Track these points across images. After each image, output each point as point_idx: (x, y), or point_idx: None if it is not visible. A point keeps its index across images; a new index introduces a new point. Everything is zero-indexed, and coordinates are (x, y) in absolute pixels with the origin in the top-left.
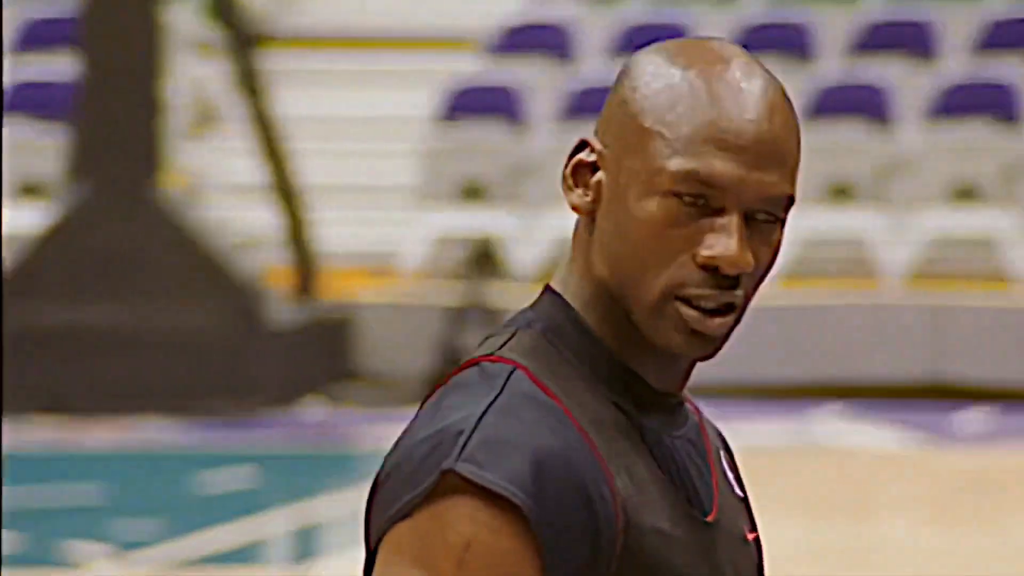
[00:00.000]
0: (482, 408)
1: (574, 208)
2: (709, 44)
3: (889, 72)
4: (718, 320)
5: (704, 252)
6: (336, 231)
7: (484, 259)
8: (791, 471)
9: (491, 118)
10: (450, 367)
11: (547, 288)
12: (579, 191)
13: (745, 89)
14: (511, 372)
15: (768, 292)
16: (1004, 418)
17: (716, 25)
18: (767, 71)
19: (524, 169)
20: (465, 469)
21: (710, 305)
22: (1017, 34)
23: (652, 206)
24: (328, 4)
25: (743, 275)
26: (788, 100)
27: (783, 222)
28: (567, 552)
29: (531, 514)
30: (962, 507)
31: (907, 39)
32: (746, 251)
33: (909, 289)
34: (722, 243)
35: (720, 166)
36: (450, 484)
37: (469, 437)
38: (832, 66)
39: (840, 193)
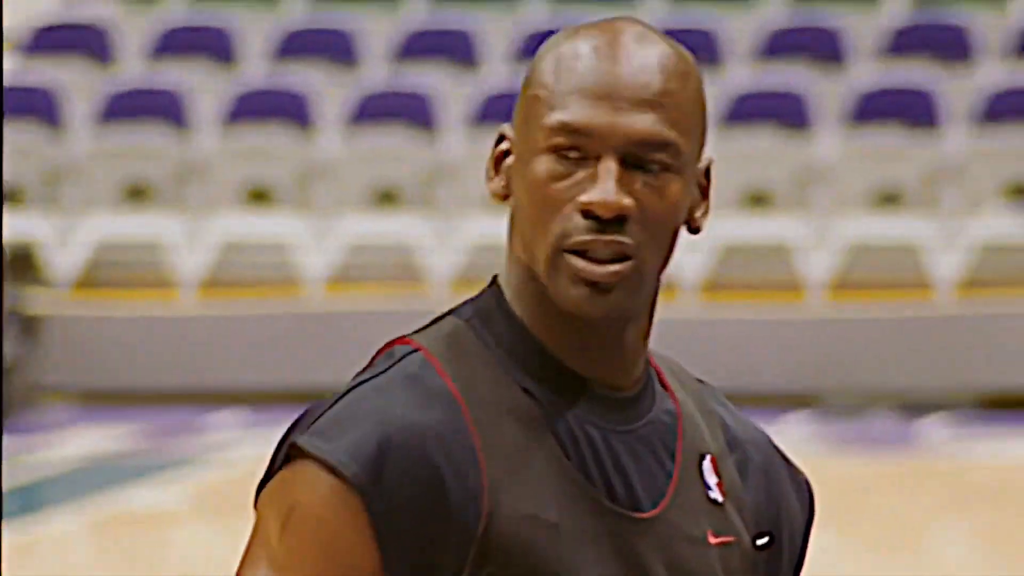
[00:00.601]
0: (355, 384)
1: (493, 196)
2: (613, 21)
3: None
4: (610, 268)
5: (582, 199)
6: None
7: (19, 265)
8: None
9: (26, 119)
10: None
11: (494, 277)
12: (496, 179)
13: (622, 45)
14: (407, 354)
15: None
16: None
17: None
18: (666, 41)
19: (62, 173)
20: (305, 441)
21: (598, 252)
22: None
23: (538, 166)
24: None
25: (632, 223)
26: (679, 59)
27: (679, 172)
28: (405, 528)
29: (363, 487)
30: None
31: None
32: (620, 194)
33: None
34: (597, 188)
35: (588, 113)
36: (297, 455)
37: (325, 411)
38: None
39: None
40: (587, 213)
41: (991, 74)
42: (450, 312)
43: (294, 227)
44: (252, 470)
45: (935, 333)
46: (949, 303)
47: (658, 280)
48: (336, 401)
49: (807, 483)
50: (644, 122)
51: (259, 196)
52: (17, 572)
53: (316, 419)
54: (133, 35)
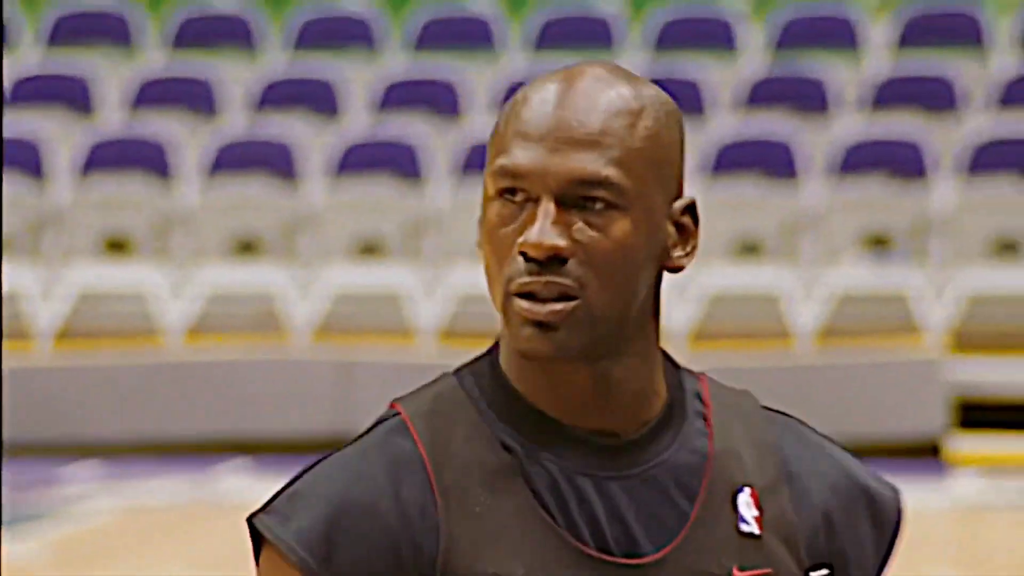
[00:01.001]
0: (330, 454)
1: (477, 247)
2: (581, 64)
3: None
4: (551, 307)
5: (519, 241)
6: None
7: None
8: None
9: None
10: None
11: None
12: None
13: (572, 88)
14: (388, 418)
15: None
16: None
17: (240, 80)
18: (630, 83)
19: None
20: (259, 522)
21: (540, 293)
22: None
23: (490, 211)
24: None
25: (574, 263)
26: (632, 99)
27: (625, 210)
28: None
29: (314, 569)
30: None
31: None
32: (549, 234)
33: (316, 344)
34: (532, 230)
35: (525, 155)
36: (257, 534)
37: (285, 488)
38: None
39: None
40: (525, 255)
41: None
42: (457, 368)
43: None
44: (108, 523)
45: (795, 383)
46: (810, 352)
47: (647, 319)
48: (305, 472)
49: (892, 521)
50: (579, 161)
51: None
52: None
53: (280, 492)
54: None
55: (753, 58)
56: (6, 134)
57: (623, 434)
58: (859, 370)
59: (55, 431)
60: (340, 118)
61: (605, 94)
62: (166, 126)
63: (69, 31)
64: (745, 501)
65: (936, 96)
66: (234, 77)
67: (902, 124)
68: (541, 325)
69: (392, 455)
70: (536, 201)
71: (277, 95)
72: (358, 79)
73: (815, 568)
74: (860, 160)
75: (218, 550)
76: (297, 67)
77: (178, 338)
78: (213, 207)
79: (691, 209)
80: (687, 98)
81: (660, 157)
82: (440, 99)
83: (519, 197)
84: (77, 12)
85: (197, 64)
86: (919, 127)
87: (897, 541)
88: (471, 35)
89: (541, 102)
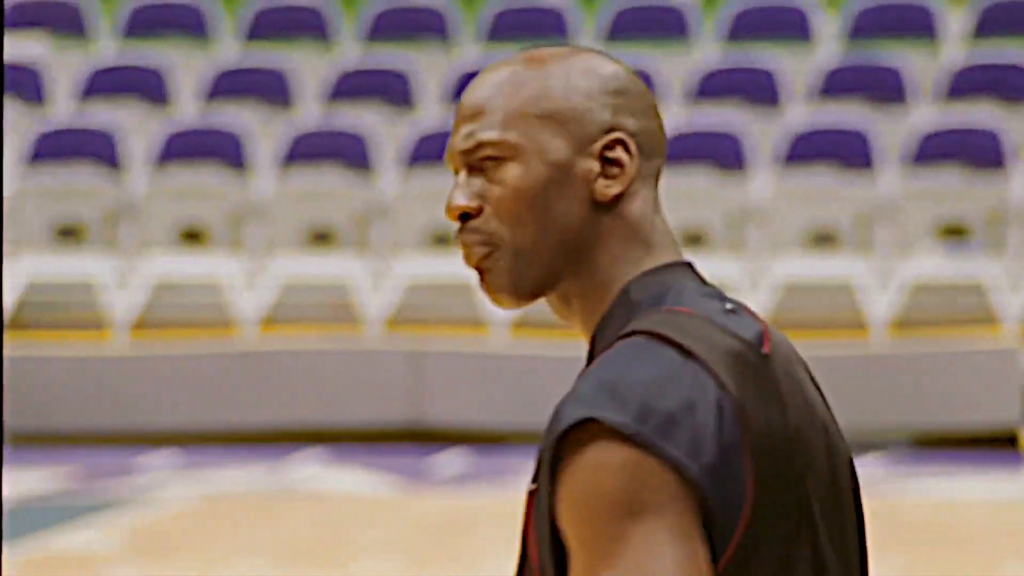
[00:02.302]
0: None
1: None
2: (530, 50)
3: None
4: (473, 256)
5: None
6: None
7: None
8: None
9: None
10: None
11: None
12: None
13: (481, 74)
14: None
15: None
16: (479, 460)
17: (192, 68)
18: (526, 61)
19: None
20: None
21: (467, 247)
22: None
23: None
24: None
25: (484, 217)
26: (518, 72)
27: (515, 159)
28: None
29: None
30: (435, 549)
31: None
32: (456, 198)
33: (389, 334)
34: (448, 198)
35: (449, 139)
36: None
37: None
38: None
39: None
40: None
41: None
42: None
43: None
44: (184, 511)
45: (870, 373)
46: (885, 343)
47: (591, 247)
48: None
49: (553, 436)
50: (466, 133)
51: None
52: None
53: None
54: (64, 76)
55: (828, 48)
56: (84, 126)
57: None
58: (935, 360)
59: (131, 420)
60: (412, 110)
61: (498, 73)
62: (240, 117)
63: (145, 23)
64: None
65: (1013, 85)
66: (308, 68)
67: (978, 113)
68: (479, 275)
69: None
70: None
71: (351, 86)
72: (431, 69)
73: (532, 483)
74: (936, 150)
75: (292, 537)
76: (372, 58)
77: (253, 328)
78: (287, 198)
79: (621, 143)
80: (761, 88)
81: (552, 108)
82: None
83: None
84: (153, 4)
85: (271, 55)
86: (995, 116)
87: (565, 453)
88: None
89: (461, 97)
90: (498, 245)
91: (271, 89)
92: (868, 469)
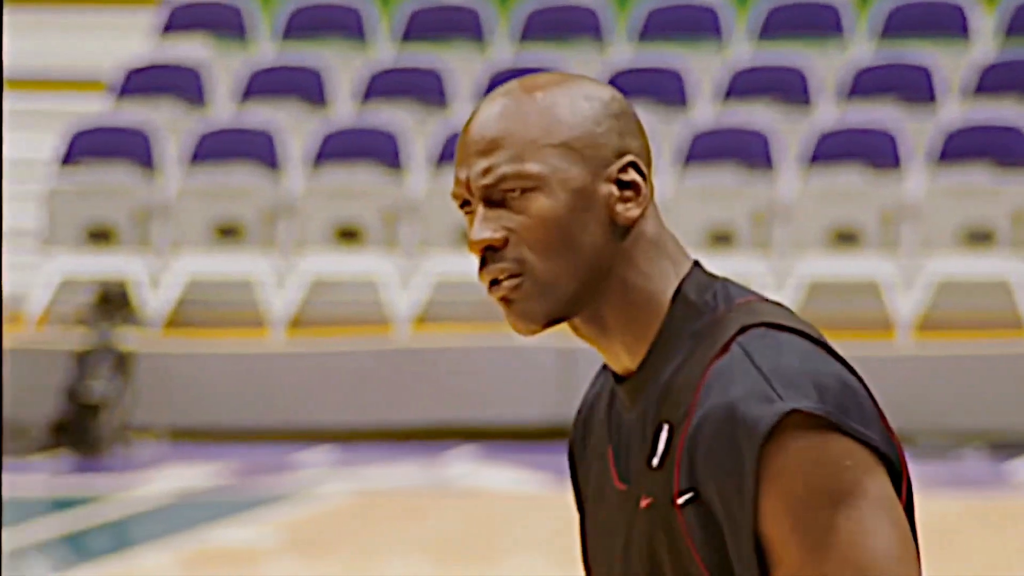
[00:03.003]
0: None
1: None
2: (510, 82)
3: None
4: (497, 289)
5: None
6: None
7: (112, 303)
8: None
9: (118, 160)
10: (76, 413)
11: None
12: None
13: (482, 106)
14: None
15: (407, 335)
16: None
17: (349, 69)
18: (526, 88)
19: (153, 212)
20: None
21: (487, 282)
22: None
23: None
24: None
25: (510, 247)
26: (523, 102)
27: (541, 189)
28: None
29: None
30: None
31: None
32: (480, 232)
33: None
34: (470, 232)
35: (456, 174)
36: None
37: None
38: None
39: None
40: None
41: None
42: None
43: (382, 265)
44: (340, 507)
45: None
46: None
47: (617, 269)
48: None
49: (755, 437)
50: (484, 167)
51: (348, 235)
52: None
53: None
54: (224, 77)
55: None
56: (243, 126)
57: (627, 373)
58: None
59: (289, 417)
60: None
61: (501, 106)
62: (396, 117)
63: (303, 25)
64: (663, 437)
65: None
66: (463, 68)
67: (1004, 112)
68: (506, 304)
69: None
70: (475, 210)
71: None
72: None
73: (683, 494)
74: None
75: (446, 533)
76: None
77: (406, 325)
78: (441, 196)
79: (633, 166)
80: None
81: (567, 137)
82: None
83: (467, 208)
84: (311, 5)
85: (426, 56)
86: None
87: (770, 451)
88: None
89: (463, 129)
90: (526, 274)
91: (426, 89)
92: None
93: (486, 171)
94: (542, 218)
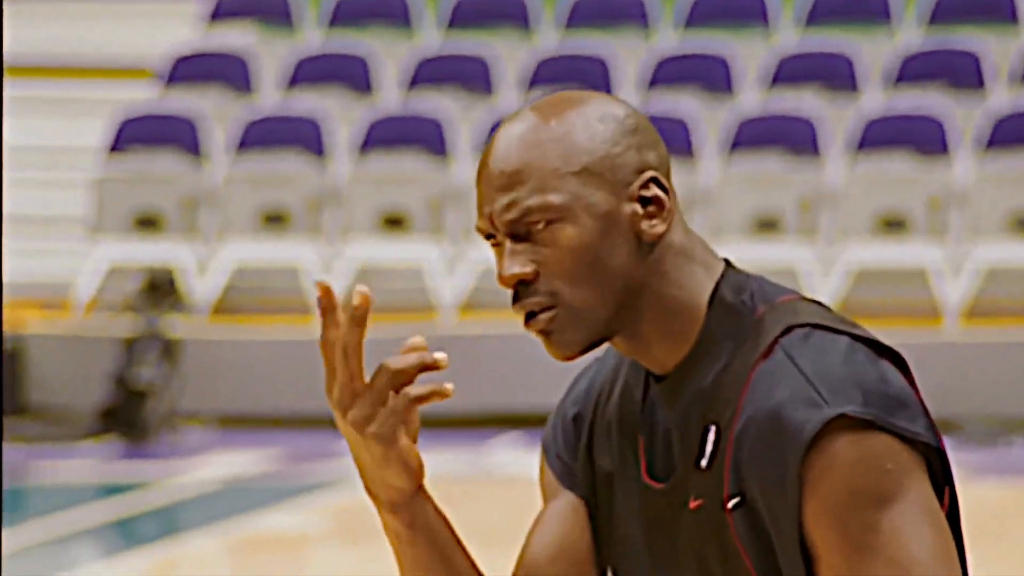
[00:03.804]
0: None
1: None
2: (523, 108)
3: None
4: (534, 323)
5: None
6: (6, 262)
7: (159, 290)
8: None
9: (166, 148)
10: (123, 400)
11: None
12: None
13: (497, 138)
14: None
15: (448, 323)
16: None
17: (395, 56)
18: (539, 112)
19: (200, 199)
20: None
21: (522, 315)
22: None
23: None
24: None
25: (541, 280)
26: (536, 130)
27: (566, 219)
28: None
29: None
30: None
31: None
32: (509, 268)
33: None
34: (500, 268)
35: (480, 210)
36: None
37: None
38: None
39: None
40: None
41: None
42: None
43: (428, 252)
44: None
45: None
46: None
47: (649, 285)
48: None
49: (799, 442)
50: (507, 202)
51: (394, 222)
52: None
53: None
54: (271, 64)
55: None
56: (290, 113)
57: (665, 372)
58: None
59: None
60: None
61: (517, 135)
62: (442, 104)
63: (349, 13)
64: (710, 438)
65: None
66: (509, 55)
67: None
68: (544, 336)
69: None
70: (502, 243)
71: (550, 72)
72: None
73: (732, 498)
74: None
75: (491, 520)
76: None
77: (451, 312)
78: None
79: (655, 181)
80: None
81: (586, 162)
82: (472, 75)
83: (494, 241)
84: None
85: (472, 44)
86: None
87: (813, 455)
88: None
89: (482, 163)
90: (560, 305)
91: (472, 76)
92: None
93: (509, 206)
94: (570, 248)
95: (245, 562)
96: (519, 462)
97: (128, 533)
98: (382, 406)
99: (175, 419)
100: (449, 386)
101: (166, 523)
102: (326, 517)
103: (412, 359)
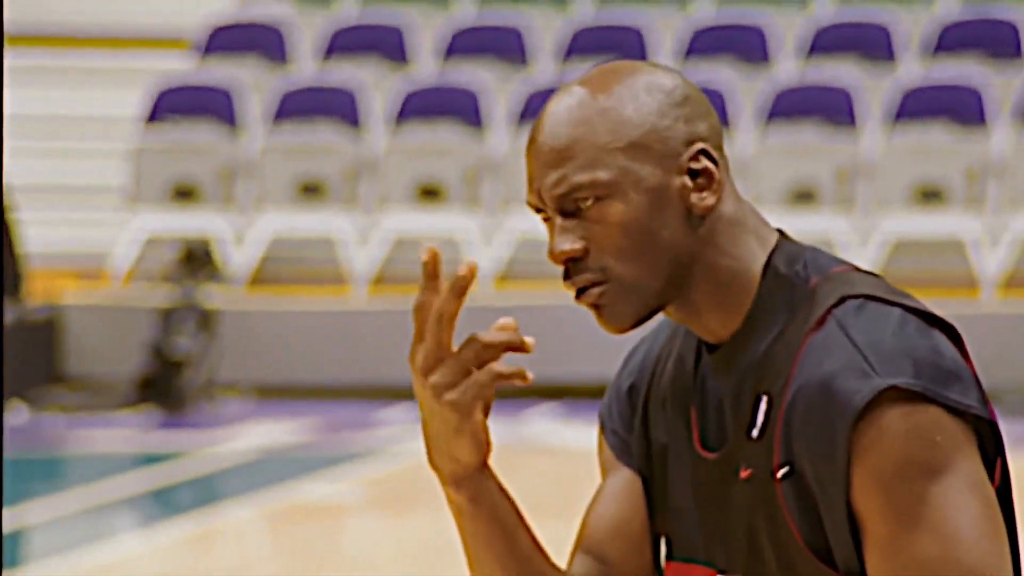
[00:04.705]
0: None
1: None
2: (565, 86)
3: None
4: (586, 296)
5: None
6: (43, 232)
7: (196, 260)
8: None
9: (202, 118)
10: (161, 369)
11: None
12: None
13: (544, 114)
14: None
15: (483, 293)
16: None
17: (431, 27)
18: (588, 87)
19: (237, 170)
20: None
21: (573, 290)
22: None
23: None
24: (30, 1)
25: (591, 256)
26: (584, 105)
27: (614, 195)
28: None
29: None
30: None
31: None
32: (560, 244)
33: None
34: (550, 245)
35: (529, 188)
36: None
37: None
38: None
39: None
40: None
41: None
42: None
43: (463, 222)
44: (423, 463)
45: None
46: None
47: (698, 256)
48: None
49: (848, 414)
50: (556, 179)
51: (430, 193)
52: (194, 562)
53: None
54: (307, 35)
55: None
56: (326, 84)
57: (719, 341)
58: None
59: (371, 374)
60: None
61: (566, 110)
62: (477, 75)
63: None
64: (762, 408)
65: None
66: (545, 26)
67: None
68: (596, 310)
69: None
70: (552, 219)
71: (585, 43)
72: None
73: (782, 467)
74: None
75: (528, 491)
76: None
77: (488, 283)
78: (522, 154)
79: (704, 153)
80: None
81: (634, 136)
82: (507, 46)
83: (543, 215)
84: None
85: (507, 14)
86: None
87: (863, 426)
88: None
89: (531, 139)
90: (611, 280)
91: (507, 46)
92: None
93: (558, 182)
94: (620, 224)
95: (282, 531)
96: (557, 433)
97: (165, 502)
98: (465, 376)
99: (212, 389)
100: (531, 374)
101: (203, 493)
102: (363, 487)
103: (502, 336)
